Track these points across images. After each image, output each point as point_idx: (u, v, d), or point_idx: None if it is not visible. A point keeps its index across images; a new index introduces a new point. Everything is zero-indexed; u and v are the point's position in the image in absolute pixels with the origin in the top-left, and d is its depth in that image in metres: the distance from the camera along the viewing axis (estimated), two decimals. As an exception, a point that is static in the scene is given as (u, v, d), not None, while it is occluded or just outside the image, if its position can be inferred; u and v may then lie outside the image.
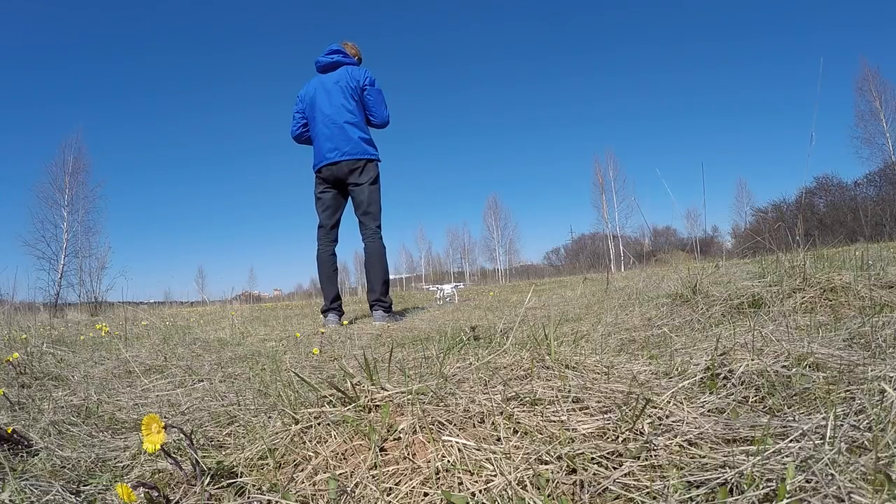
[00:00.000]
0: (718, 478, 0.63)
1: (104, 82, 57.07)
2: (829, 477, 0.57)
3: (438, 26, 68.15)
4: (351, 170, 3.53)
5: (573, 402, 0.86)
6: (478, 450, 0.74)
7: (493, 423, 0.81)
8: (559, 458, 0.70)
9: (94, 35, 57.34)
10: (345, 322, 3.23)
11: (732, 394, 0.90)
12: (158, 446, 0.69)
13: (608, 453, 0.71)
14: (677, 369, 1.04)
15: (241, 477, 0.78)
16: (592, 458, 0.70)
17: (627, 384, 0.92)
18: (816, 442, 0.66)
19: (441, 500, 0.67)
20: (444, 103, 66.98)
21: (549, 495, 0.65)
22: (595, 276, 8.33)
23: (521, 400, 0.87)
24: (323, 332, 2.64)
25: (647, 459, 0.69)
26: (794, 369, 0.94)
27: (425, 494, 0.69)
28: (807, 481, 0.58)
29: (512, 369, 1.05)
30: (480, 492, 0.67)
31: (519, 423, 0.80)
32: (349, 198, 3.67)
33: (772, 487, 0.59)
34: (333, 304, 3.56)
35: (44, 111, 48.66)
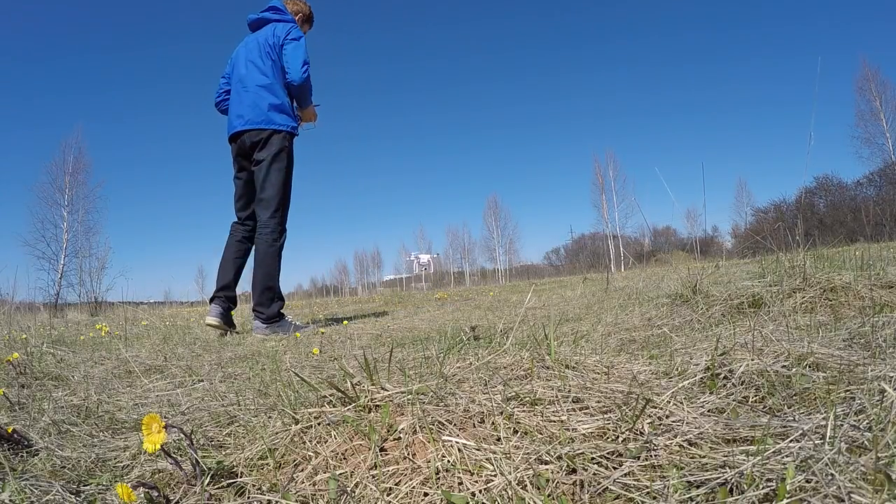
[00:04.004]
0: (718, 478, 0.63)
1: (104, 81, 57.16)
2: (829, 477, 0.57)
3: (437, 23, 68.21)
4: (253, 142, 3.02)
5: (573, 402, 0.86)
6: (478, 450, 0.74)
7: (493, 423, 0.81)
8: (559, 458, 0.70)
9: (95, 32, 57.40)
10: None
11: (732, 394, 0.90)
12: (158, 446, 0.69)
13: (608, 453, 0.71)
14: (677, 369, 1.04)
15: (241, 477, 0.78)
16: (592, 458, 0.70)
17: (627, 384, 0.92)
18: (816, 442, 0.66)
19: (441, 500, 0.67)
20: (443, 101, 67.06)
21: (549, 495, 0.65)
22: (595, 276, 8.34)
23: (521, 400, 0.87)
24: (323, 332, 2.64)
25: (647, 459, 0.69)
26: (794, 369, 0.94)
27: (425, 494, 0.69)
28: (807, 481, 0.58)
29: (512, 369, 1.05)
30: (480, 492, 0.67)
31: (519, 423, 0.80)
32: None
33: (772, 487, 0.59)
34: (220, 293, 3.05)
35: (44, 110, 48.71)
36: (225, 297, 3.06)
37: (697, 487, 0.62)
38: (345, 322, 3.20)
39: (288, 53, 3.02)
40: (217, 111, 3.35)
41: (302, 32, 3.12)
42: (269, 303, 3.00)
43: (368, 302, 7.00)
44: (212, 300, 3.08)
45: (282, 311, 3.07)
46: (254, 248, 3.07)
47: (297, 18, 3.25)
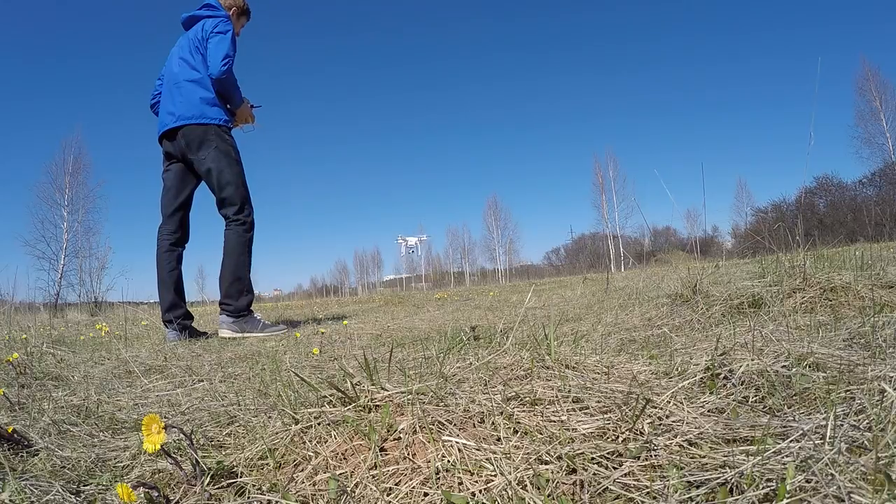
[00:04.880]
0: (718, 478, 0.63)
1: (104, 80, 57.15)
2: (829, 477, 0.57)
3: (436, 22, 68.21)
4: (188, 141, 2.90)
5: (573, 402, 0.86)
6: (478, 450, 0.74)
7: (493, 423, 0.81)
8: (559, 458, 0.70)
9: (95, 32, 57.40)
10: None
11: (732, 394, 0.90)
12: (158, 446, 0.69)
13: (608, 453, 0.71)
14: (677, 369, 1.04)
15: (241, 477, 0.78)
16: (592, 458, 0.70)
17: (627, 384, 0.92)
18: (816, 442, 0.66)
19: (441, 500, 0.67)
20: (443, 102, 67.06)
21: (549, 495, 0.65)
22: (595, 276, 8.33)
23: (521, 400, 0.87)
24: (323, 333, 2.64)
25: (647, 459, 0.69)
26: (794, 369, 0.94)
27: (425, 494, 0.69)
28: (807, 481, 0.58)
29: (512, 369, 1.05)
30: (480, 492, 0.67)
31: (519, 423, 0.80)
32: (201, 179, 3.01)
33: (772, 487, 0.59)
34: (169, 315, 2.90)
35: (44, 110, 48.72)
36: (174, 317, 2.91)
37: (697, 487, 0.62)
38: (345, 322, 3.19)
39: (211, 47, 2.93)
40: (152, 113, 3.25)
41: (231, 26, 3.02)
42: (238, 295, 2.90)
43: (368, 302, 7.00)
44: (165, 323, 2.93)
45: (251, 306, 2.97)
46: (224, 240, 2.96)
47: (231, 13, 3.16)
